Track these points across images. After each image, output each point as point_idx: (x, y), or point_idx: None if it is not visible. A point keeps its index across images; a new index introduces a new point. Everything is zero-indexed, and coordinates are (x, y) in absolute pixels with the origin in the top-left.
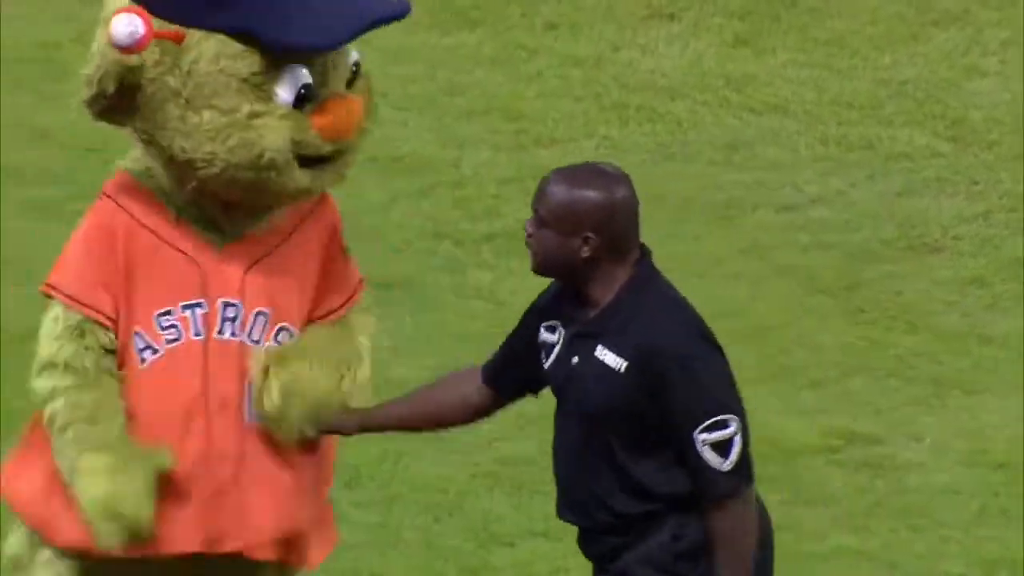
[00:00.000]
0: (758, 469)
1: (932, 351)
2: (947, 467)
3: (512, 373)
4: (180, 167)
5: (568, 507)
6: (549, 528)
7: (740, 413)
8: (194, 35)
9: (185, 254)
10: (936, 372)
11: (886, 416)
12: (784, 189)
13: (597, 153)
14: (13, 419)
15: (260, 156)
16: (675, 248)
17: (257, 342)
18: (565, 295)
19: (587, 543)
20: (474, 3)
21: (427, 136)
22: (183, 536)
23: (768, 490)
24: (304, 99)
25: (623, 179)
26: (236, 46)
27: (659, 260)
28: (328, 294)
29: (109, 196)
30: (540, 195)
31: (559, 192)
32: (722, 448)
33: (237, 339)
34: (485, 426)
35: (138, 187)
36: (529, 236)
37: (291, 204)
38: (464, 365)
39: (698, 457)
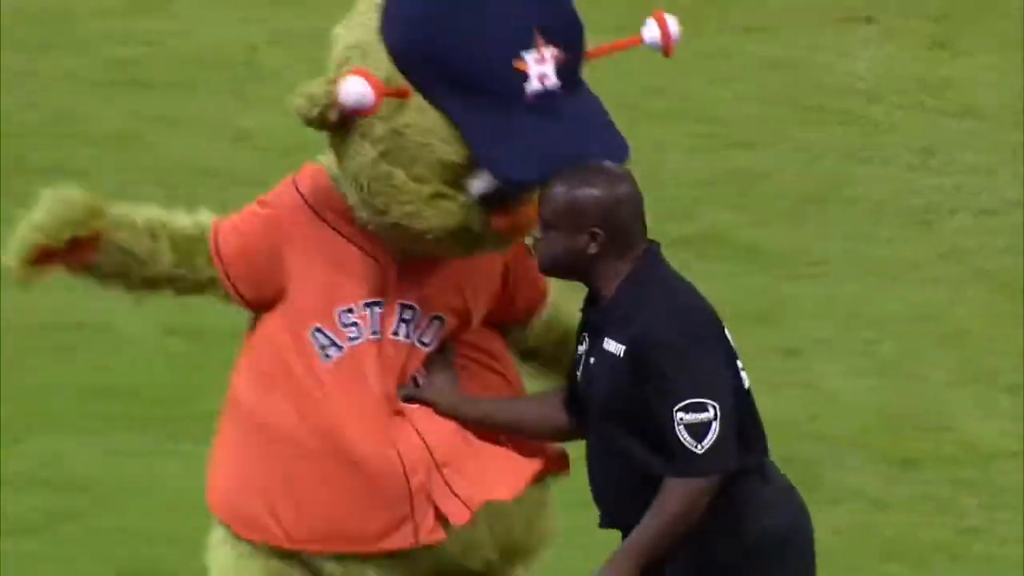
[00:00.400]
0: (955, 472)
1: None
2: None
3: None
4: (357, 193)
5: (607, 517)
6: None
7: (722, 403)
8: (417, 99)
9: (366, 252)
10: None
11: None
12: (982, 193)
13: (794, 156)
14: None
15: (426, 231)
16: (871, 252)
17: (427, 345)
18: (585, 304)
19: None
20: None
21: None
22: (390, 533)
23: (965, 494)
24: (492, 198)
25: (625, 176)
26: (452, 130)
27: (855, 263)
28: (520, 291)
29: (294, 183)
30: (543, 199)
31: (561, 192)
32: (698, 431)
33: (409, 341)
34: None
35: (328, 184)
36: (536, 241)
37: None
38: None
39: (674, 434)
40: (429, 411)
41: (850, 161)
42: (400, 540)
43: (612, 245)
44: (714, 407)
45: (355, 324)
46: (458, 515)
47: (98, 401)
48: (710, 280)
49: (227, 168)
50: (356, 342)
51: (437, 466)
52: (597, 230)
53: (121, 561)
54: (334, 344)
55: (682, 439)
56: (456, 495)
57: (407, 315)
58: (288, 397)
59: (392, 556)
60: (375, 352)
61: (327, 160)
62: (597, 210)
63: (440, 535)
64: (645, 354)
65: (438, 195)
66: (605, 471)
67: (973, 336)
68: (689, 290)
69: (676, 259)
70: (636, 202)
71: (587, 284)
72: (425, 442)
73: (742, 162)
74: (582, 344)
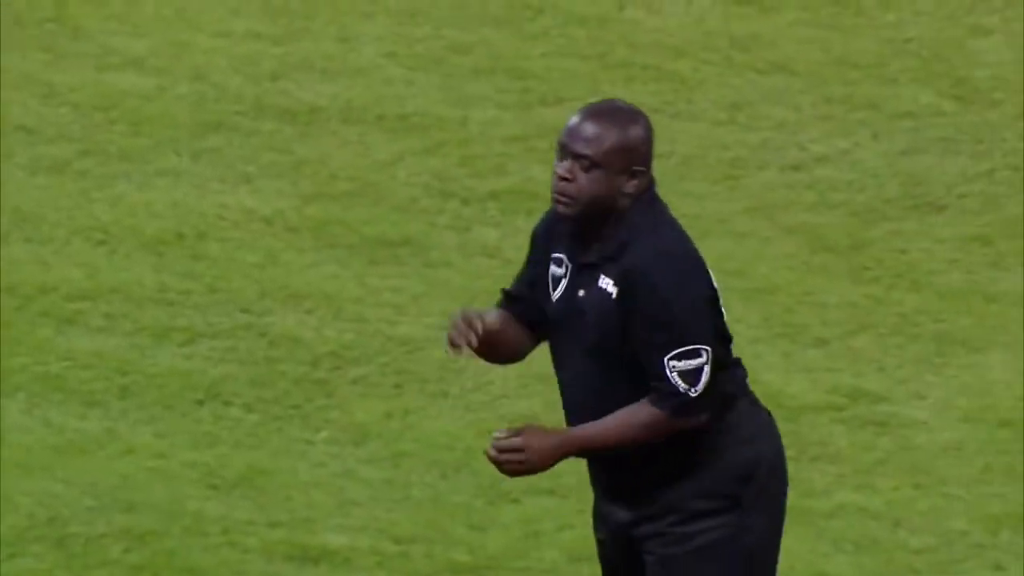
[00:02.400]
0: None
1: (935, 309)
2: (951, 425)
3: (531, 300)
4: None
5: (619, 487)
6: (556, 485)
7: (712, 346)
8: None
9: None
10: (940, 330)
11: (890, 374)
12: (789, 149)
13: None
14: (14, 375)
15: None
16: (680, 207)
17: None
18: (567, 229)
19: (619, 490)
20: None
21: (434, 95)
22: None
23: None
24: None
25: (643, 112)
26: None
27: None
28: None
29: None
30: (585, 139)
31: (612, 133)
32: (691, 377)
33: None
34: (491, 384)
35: None
36: (566, 181)
37: None
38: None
39: (667, 380)
40: None
41: (659, 116)
42: None
43: (644, 184)
44: (706, 351)
45: None
46: None
47: None
48: (520, 235)
49: (38, 125)
50: None
51: None
52: (641, 168)
53: None
54: None
55: (676, 384)
56: None
57: None
58: None
59: None
60: None
61: None
62: (643, 150)
63: None
64: (636, 296)
65: None
66: (580, 399)
67: (780, 291)
68: (678, 230)
69: (486, 215)
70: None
71: (607, 224)
72: None
73: (552, 118)
74: (559, 267)
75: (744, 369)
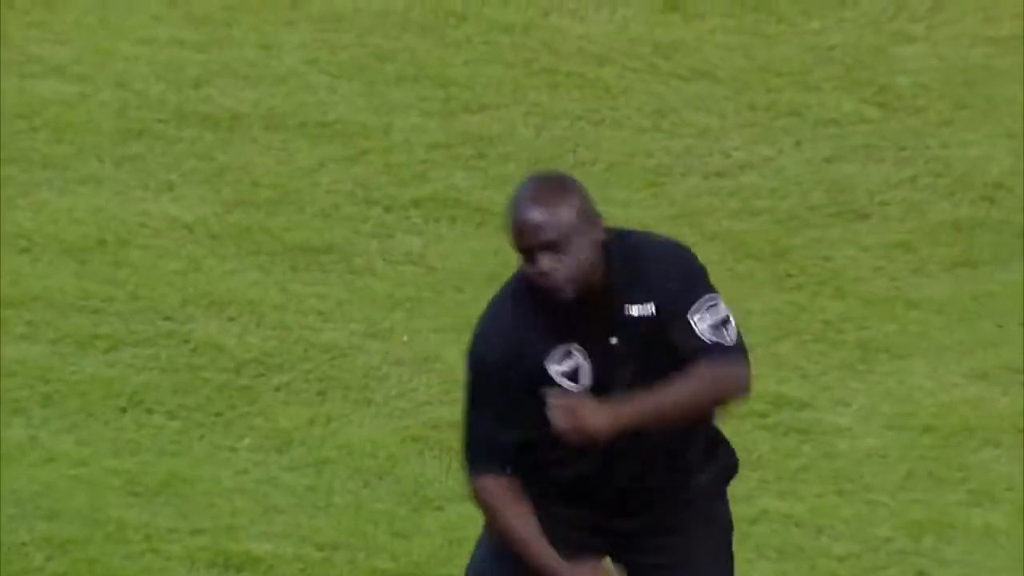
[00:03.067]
0: None
1: (859, 316)
2: (875, 431)
3: (514, 444)
4: None
5: (639, 499)
6: None
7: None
8: None
9: None
10: (863, 337)
11: (813, 381)
12: (712, 156)
13: (527, 119)
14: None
15: None
16: (604, 213)
17: None
18: (544, 317)
19: (629, 502)
20: None
21: (357, 102)
22: None
23: None
24: None
25: (559, 173)
26: None
27: None
28: None
29: None
30: (562, 212)
31: (561, 206)
32: (720, 328)
33: None
34: (415, 392)
35: None
36: (550, 272)
37: None
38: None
39: (699, 338)
40: None
41: (582, 123)
42: None
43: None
44: (722, 302)
45: None
46: None
47: None
48: (443, 242)
49: None
50: None
51: None
52: (596, 212)
53: None
54: None
55: (711, 338)
56: None
57: None
58: None
59: None
60: None
61: None
62: (587, 196)
63: None
64: (675, 286)
65: None
66: (663, 451)
67: None
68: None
69: (409, 222)
70: None
71: (591, 285)
72: None
73: (475, 125)
74: (568, 358)
75: None
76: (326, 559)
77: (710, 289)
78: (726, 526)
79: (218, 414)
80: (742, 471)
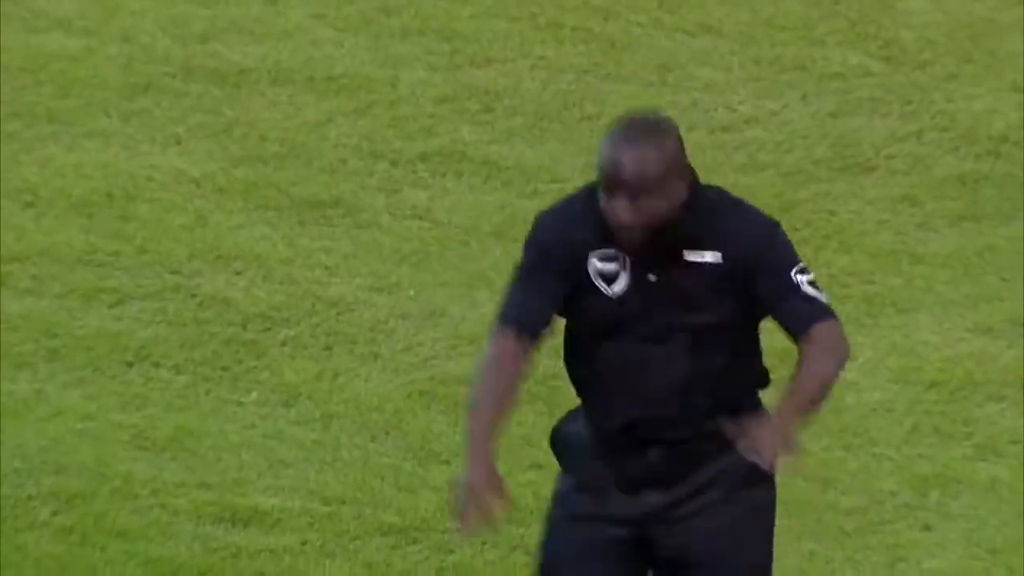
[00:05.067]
0: None
1: (865, 270)
2: (880, 385)
3: (543, 311)
4: None
5: (655, 426)
6: None
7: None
8: None
9: None
10: (869, 291)
11: None
12: (718, 110)
13: (533, 73)
14: None
15: None
16: None
17: None
18: (602, 225)
19: (659, 473)
20: None
21: (363, 56)
22: None
23: None
24: None
25: (665, 118)
26: None
27: (592, 179)
28: None
29: None
30: (632, 172)
31: (652, 157)
32: (815, 286)
33: None
34: (421, 346)
35: None
36: (622, 215)
37: None
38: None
39: (805, 294)
40: None
41: (588, 78)
42: None
43: (692, 181)
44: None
45: None
46: None
47: None
48: (450, 196)
49: None
50: None
51: None
52: (686, 170)
53: None
54: None
55: (813, 294)
56: None
57: None
58: None
59: None
60: None
61: None
62: (682, 153)
63: None
64: (754, 244)
65: None
66: (667, 381)
67: None
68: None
69: (415, 176)
70: None
71: (671, 227)
72: None
73: (481, 79)
74: (610, 262)
75: None
76: (333, 513)
77: (799, 259)
78: (763, 512)
79: (225, 368)
80: None
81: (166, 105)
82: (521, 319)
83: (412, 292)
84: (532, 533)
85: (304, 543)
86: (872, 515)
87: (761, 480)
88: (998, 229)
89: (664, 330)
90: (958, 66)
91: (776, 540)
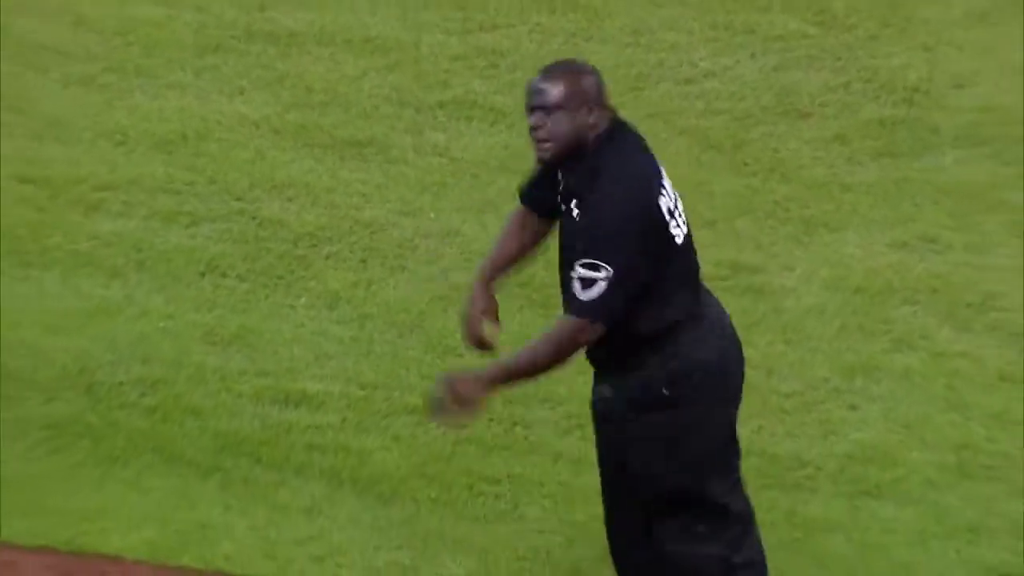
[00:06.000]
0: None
1: (802, 197)
2: (814, 292)
3: (541, 193)
4: None
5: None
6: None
7: (619, 269)
8: None
9: None
10: (805, 214)
11: (765, 250)
12: (682, 67)
13: (531, 36)
14: (50, 253)
15: None
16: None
17: None
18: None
19: (599, 374)
20: None
21: (392, 22)
22: None
23: None
24: None
25: (586, 64)
26: None
27: None
28: None
29: None
30: (543, 92)
31: (561, 82)
32: (587, 284)
33: None
34: (440, 259)
35: None
36: (538, 129)
37: None
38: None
39: (570, 286)
40: None
41: (576, 39)
42: None
43: (604, 119)
44: (607, 271)
45: None
46: None
47: None
48: (463, 137)
49: (70, 48)
50: None
51: None
52: (597, 104)
53: None
54: None
55: (575, 289)
56: None
57: None
58: None
59: None
60: None
61: None
62: (596, 90)
63: None
64: (582, 217)
65: None
66: None
67: (675, 182)
68: (638, 165)
69: (435, 121)
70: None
71: (579, 157)
72: None
73: (489, 41)
74: (557, 189)
75: (692, 292)
76: (367, 396)
77: (603, 255)
78: (621, 447)
79: (279, 278)
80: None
81: (231, 62)
82: (526, 196)
83: (433, 215)
84: (531, 412)
85: (344, 420)
86: (807, 397)
87: (629, 419)
88: (912, 163)
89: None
90: (879, 29)
91: None
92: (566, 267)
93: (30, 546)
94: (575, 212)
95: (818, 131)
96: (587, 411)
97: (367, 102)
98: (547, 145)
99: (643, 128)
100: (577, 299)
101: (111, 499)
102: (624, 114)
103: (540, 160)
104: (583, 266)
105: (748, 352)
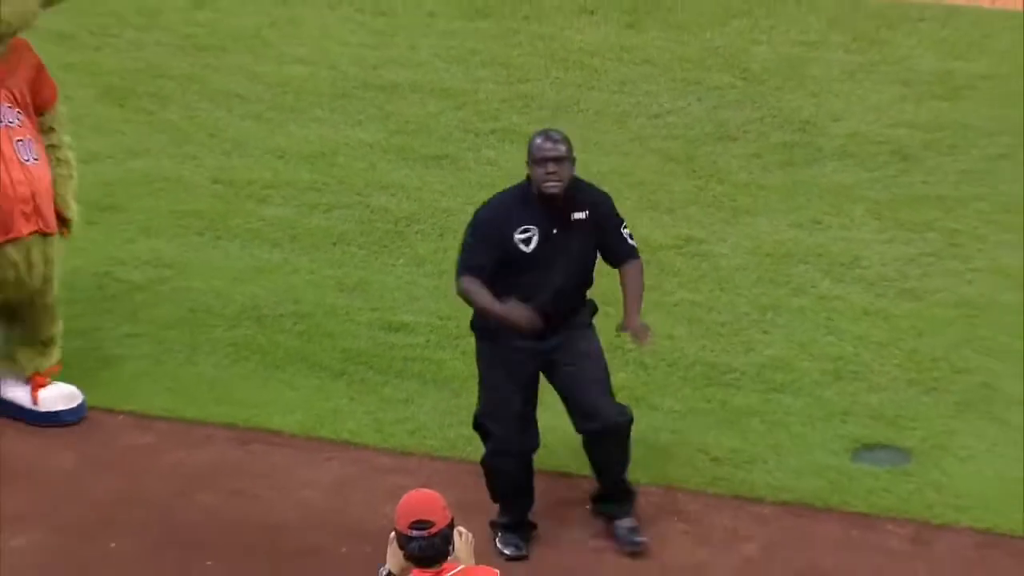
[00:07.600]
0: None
1: (732, 193)
2: (740, 256)
3: (486, 265)
4: None
5: (557, 316)
6: None
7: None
8: None
9: None
10: (734, 205)
11: (707, 228)
12: (652, 106)
13: (551, 86)
14: (232, 229)
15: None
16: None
17: (11, 124)
18: (523, 209)
19: (558, 318)
20: None
21: (459, 76)
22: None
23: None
24: None
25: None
26: None
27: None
28: (44, 85)
29: None
30: (559, 150)
31: (564, 144)
32: (631, 236)
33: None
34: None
35: None
36: (555, 173)
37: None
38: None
39: (626, 237)
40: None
41: (581, 88)
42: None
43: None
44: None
45: None
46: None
47: (182, 219)
48: (507, 153)
49: (247, 94)
50: None
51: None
52: (574, 160)
53: (192, 303)
54: None
55: (632, 240)
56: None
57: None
58: None
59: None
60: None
61: None
62: (573, 150)
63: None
64: (600, 211)
65: None
66: (567, 291)
67: (648, 183)
68: (596, 187)
69: (488, 142)
70: None
71: (571, 188)
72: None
73: (524, 89)
74: (526, 234)
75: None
76: (443, 325)
77: (623, 218)
78: (599, 343)
79: (385, 246)
80: (668, 277)
81: (354, 103)
82: (475, 268)
83: None
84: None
85: (427, 340)
86: (735, 325)
87: (591, 326)
88: (804, 171)
89: (563, 267)
90: (783, 82)
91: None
92: (614, 232)
93: (220, 422)
94: (585, 215)
95: (742, 149)
96: None
97: (443, 130)
98: (559, 184)
99: (625, 149)
100: (633, 245)
101: (273, 393)
102: (611, 139)
103: (551, 193)
104: (623, 227)
105: (696, 296)
